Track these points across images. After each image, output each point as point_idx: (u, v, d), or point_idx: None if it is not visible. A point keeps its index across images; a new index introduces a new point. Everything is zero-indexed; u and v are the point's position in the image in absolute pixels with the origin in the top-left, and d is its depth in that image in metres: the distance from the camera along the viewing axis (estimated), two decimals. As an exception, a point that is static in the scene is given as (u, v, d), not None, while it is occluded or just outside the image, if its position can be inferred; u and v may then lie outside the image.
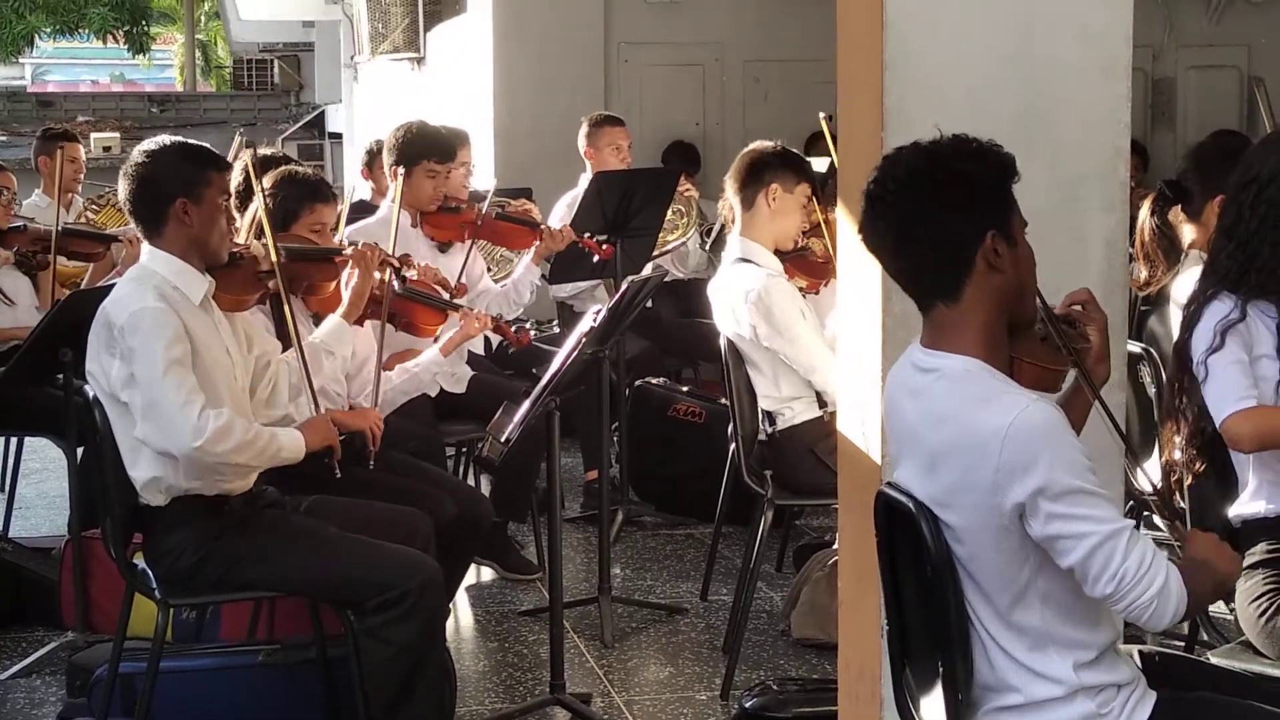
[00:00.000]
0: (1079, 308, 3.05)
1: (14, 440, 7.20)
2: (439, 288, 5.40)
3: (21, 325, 6.09)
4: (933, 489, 2.86)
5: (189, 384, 4.01)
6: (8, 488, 7.07)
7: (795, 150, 5.54)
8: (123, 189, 4.20)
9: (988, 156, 2.86)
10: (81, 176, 7.89)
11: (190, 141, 4.28)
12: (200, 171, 4.14)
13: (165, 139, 4.26)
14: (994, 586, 2.84)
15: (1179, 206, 4.84)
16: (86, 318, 4.34)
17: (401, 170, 5.95)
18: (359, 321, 5.01)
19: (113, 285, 4.44)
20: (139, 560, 4.29)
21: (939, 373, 2.87)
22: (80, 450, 5.38)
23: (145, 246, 4.21)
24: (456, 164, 6.54)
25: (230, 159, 5.94)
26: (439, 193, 6.09)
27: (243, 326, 4.37)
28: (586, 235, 6.44)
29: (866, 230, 2.93)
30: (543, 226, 6.47)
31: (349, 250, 4.90)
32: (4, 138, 21.45)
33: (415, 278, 5.26)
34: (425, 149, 5.93)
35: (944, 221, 2.84)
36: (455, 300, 5.44)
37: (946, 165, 2.83)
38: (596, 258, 6.49)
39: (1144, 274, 4.99)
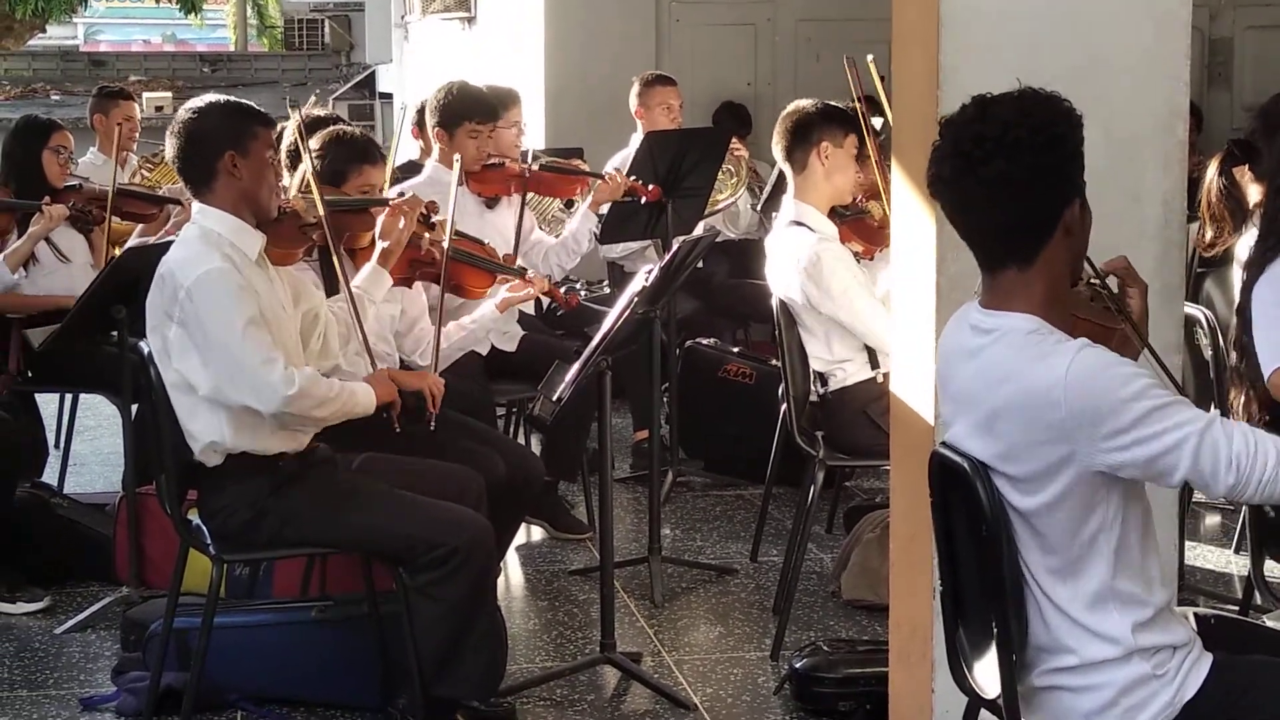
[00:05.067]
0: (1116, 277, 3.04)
1: (69, 397, 7.25)
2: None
3: (75, 289, 6.11)
4: (996, 447, 2.84)
5: (267, 341, 4.05)
6: (63, 444, 7.12)
7: (837, 104, 5.50)
8: (170, 147, 4.23)
9: (1072, 116, 2.83)
10: (136, 135, 7.93)
11: (235, 99, 4.30)
12: (246, 125, 4.17)
13: (211, 97, 4.29)
14: (1059, 540, 2.82)
15: (1246, 166, 4.79)
16: (141, 274, 4.38)
17: (444, 132, 5.97)
18: (408, 282, 5.01)
19: (168, 242, 4.46)
20: (194, 516, 4.32)
21: (998, 332, 2.85)
22: (135, 407, 5.41)
23: (196, 205, 4.23)
24: (508, 123, 6.53)
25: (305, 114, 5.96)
26: (483, 152, 6.08)
27: (289, 281, 4.39)
28: (634, 178, 6.43)
29: (950, 186, 2.86)
30: (601, 173, 6.48)
31: (393, 200, 4.89)
32: (57, 96, 21.56)
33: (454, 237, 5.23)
34: (466, 110, 5.90)
35: (1040, 189, 2.81)
36: (506, 264, 5.43)
37: (1045, 128, 2.78)
38: (644, 199, 6.43)
39: (1209, 234, 4.93)
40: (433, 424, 4.67)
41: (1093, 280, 3.00)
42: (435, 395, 4.68)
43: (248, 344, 4.02)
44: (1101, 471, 2.76)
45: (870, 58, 5.72)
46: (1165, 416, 2.71)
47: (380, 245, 4.73)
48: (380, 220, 4.76)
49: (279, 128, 4.62)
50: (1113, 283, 3.05)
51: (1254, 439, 2.71)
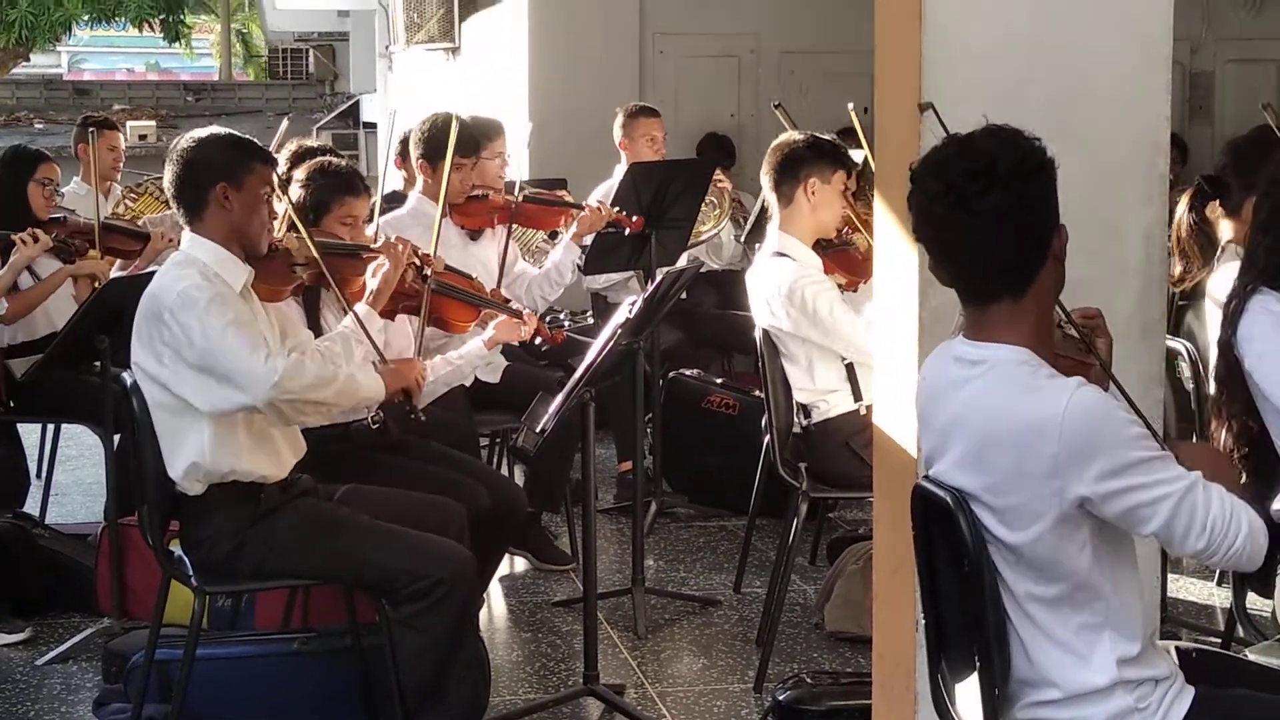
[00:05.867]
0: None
1: (51, 427, 7.23)
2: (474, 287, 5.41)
3: (56, 319, 6.14)
4: (985, 479, 2.84)
5: (252, 335, 4.08)
6: (44, 474, 7.10)
7: (825, 136, 5.51)
8: (168, 173, 4.26)
9: (1041, 147, 2.85)
10: (120, 165, 7.93)
11: (238, 134, 4.32)
12: (245, 160, 4.19)
13: (214, 128, 4.32)
14: (1053, 571, 2.82)
15: (1217, 201, 4.82)
16: (124, 305, 4.37)
17: (428, 164, 5.99)
18: (390, 315, 5.01)
19: (151, 273, 4.46)
20: (176, 548, 4.31)
21: (987, 364, 2.86)
22: (117, 437, 5.40)
23: (186, 234, 4.24)
24: (491, 154, 6.54)
25: (274, 147, 5.96)
26: (466, 185, 6.10)
27: (276, 317, 4.40)
28: (617, 210, 6.44)
29: (943, 226, 2.85)
30: (584, 204, 6.50)
31: (378, 245, 4.91)
32: (41, 125, 21.55)
33: (441, 271, 5.26)
34: (447, 143, 5.91)
35: (1034, 217, 2.83)
36: (493, 298, 5.44)
37: (1029, 156, 2.81)
38: (628, 231, 6.45)
39: (1178, 269, 4.96)
40: (418, 416, 4.70)
41: (1062, 324, 3.01)
42: (421, 382, 4.73)
43: (229, 342, 4.03)
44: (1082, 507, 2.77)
45: (850, 105, 5.74)
46: (1152, 470, 2.73)
47: (370, 285, 4.75)
48: (372, 264, 4.78)
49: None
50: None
51: (1229, 510, 2.74)
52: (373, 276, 4.77)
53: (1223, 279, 4.28)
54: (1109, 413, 2.75)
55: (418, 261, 5.01)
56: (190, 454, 4.12)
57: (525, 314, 5.33)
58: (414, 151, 6.17)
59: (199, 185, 4.18)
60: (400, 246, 4.85)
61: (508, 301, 5.53)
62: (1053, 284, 2.89)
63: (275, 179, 4.36)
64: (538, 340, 5.45)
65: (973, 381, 2.88)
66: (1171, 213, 4.59)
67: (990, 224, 2.81)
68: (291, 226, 4.69)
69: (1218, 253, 4.88)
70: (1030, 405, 2.77)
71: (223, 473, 4.15)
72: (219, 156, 4.19)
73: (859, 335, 5.03)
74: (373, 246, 4.91)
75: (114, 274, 6.41)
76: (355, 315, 4.55)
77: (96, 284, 6.18)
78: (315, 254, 4.50)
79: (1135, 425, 2.76)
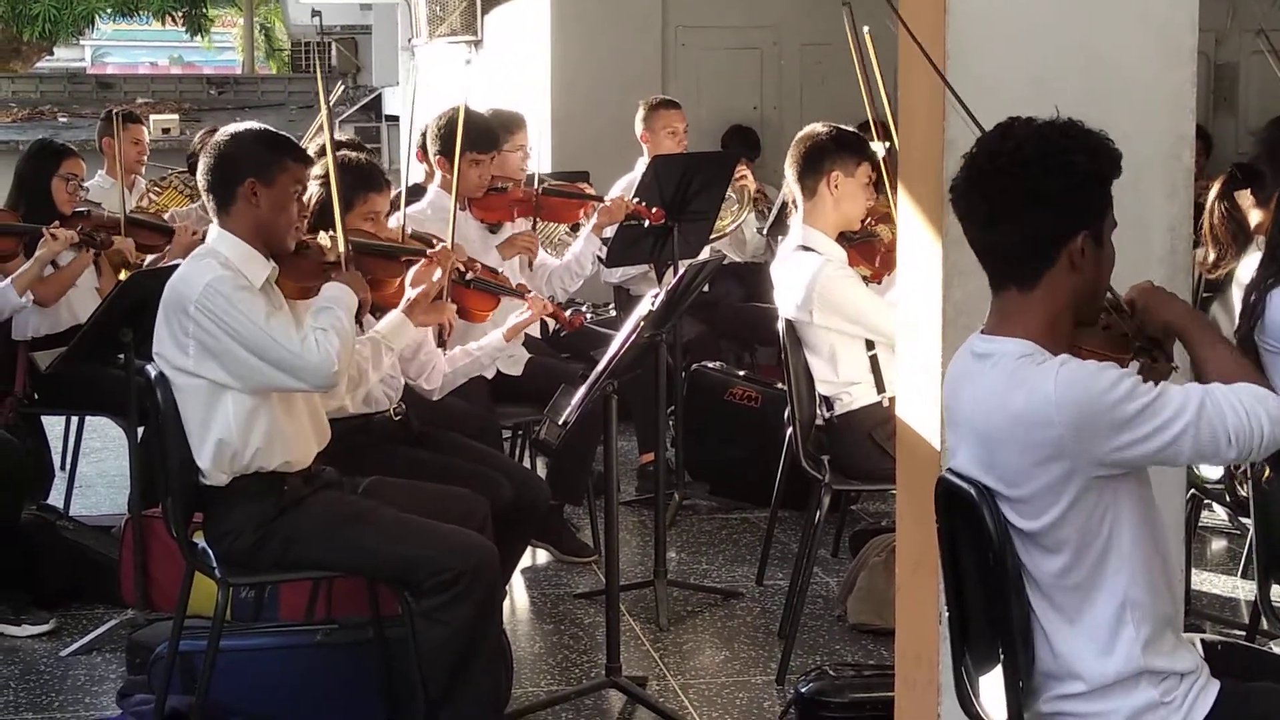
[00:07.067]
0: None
1: (75, 419, 7.26)
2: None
3: (80, 312, 6.17)
4: (996, 473, 2.85)
5: (290, 322, 4.12)
6: (69, 466, 7.12)
7: (850, 129, 5.50)
8: (201, 164, 4.29)
9: (1099, 151, 2.83)
10: (145, 158, 7.94)
11: (274, 130, 4.32)
12: (276, 156, 4.20)
13: (251, 124, 4.33)
14: (1073, 556, 2.82)
15: (1248, 190, 4.80)
16: (148, 298, 4.38)
17: (445, 160, 5.99)
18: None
19: (174, 266, 4.48)
20: (199, 539, 4.33)
21: (994, 357, 2.87)
22: (141, 429, 5.42)
23: (213, 228, 4.25)
24: (514, 147, 6.55)
25: (305, 141, 5.97)
26: (484, 180, 6.10)
27: (299, 316, 4.39)
28: (637, 201, 6.44)
29: (961, 196, 2.90)
30: (604, 200, 6.50)
31: (430, 251, 4.84)
32: (64, 119, 21.59)
33: (479, 272, 5.27)
34: (464, 140, 5.90)
35: (1040, 211, 2.82)
36: (503, 283, 5.45)
37: (1056, 154, 2.80)
38: (649, 223, 6.45)
39: (1211, 257, 4.94)
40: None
41: (1105, 311, 2.98)
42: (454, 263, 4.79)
43: (277, 332, 4.06)
44: (1104, 481, 2.77)
45: (866, 30, 5.67)
46: (1160, 410, 2.73)
47: (409, 293, 4.67)
48: (413, 270, 4.71)
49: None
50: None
51: (1244, 407, 2.74)
52: (412, 286, 4.68)
53: (1250, 267, 4.26)
54: (1095, 376, 2.74)
55: (461, 268, 5.01)
56: (217, 431, 4.14)
57: (544, 302, 5.33)
58: (431, 147, 6.17)
59: (229, 180, 4.19)
60: (446, 258, 4.79)
61: (526, 290, 5.53)
62: (1069, 289, 2.86)
63: (308, 177, 4.35)
64: (556, 326, 5.45)
65: (980, 376, 2.88)
66: (1199, 204, 4.56)
67: (995, 207, 2.84)
68: (321, 223, 4.66)
69: (1250, 240, 4.86)
70: (1022, 396, 2.78)
71: (250, 453, 4.16)
72: (251, 152, 4.20)
73: (886, 321, 5.00)
74: (408, 245, 4.88)
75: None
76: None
77: (123, 274, 6.21)
78: (343, 251, 4.47)
79: (1126, 377, 2.75)
